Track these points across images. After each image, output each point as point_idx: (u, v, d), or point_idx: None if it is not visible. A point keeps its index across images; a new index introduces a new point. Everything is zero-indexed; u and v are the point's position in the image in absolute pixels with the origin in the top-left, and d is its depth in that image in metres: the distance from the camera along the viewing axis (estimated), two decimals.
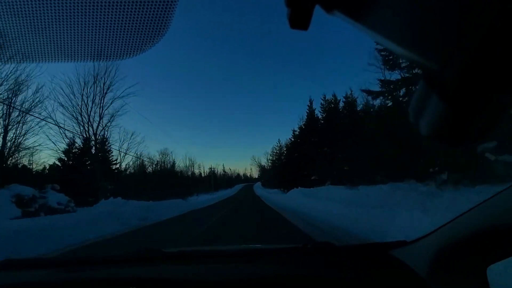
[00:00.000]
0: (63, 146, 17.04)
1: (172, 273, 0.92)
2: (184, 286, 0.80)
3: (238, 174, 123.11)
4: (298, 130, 31.26)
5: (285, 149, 39.93)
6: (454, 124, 0.21)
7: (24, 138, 13.96)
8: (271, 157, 57.46)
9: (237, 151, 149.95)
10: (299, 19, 0.29)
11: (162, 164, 34.10)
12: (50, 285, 0.84)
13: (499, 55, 0.17)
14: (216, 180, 62.55)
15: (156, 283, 0.81)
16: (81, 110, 17.58)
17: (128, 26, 0.47)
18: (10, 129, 13.29)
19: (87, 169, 17.64)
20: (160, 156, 34.65)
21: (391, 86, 14.05)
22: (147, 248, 1.16)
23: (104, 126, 18.81)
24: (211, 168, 56.79)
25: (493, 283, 0.67)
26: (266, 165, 66.80)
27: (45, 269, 1.05)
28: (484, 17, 0.17)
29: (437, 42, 0.20)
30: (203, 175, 64.20)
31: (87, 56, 0.52)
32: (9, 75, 12.59)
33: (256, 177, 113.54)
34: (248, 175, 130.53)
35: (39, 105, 14.62)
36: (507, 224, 0.57)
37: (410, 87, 12.82)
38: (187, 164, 46.69)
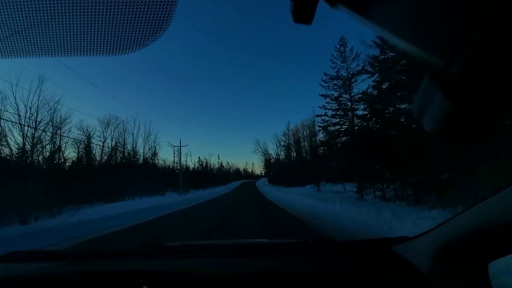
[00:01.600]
0: None
1: (175, 267, 0.93)
2: (186, 279, 0.81)
3: (238, 170, 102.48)
4: None
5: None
6: (458, 121, 0.21)
7: None
8: (285, 139, 40.18)
9: (237, 147, 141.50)
10: (303, 13, 0.29)
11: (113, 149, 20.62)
12: (53, 277, 0.85)
13: (504, 51, 0.17)
14: (206, 174, 46.75)
15: (159, 276, 0.82)
16: None
17: (130, 20, 0.47)
18: None
19: None
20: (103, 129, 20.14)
21: None
22: (150, 242, 1.17)
23: None
24: (180, 146, 29.27)
25: (494, 279, 0.67)
26: (275, 153, 48.02)
27: (48, 262, 1.06)
28: (489, 13, 0.17)
29: (441, 37, 0.20)
30: (195, 168, 44.88)
31: (88, 51, 0.52)
32: None
33: (259, 173, 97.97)
34: (250, 171, 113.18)
35: None
36: (509, 222, 0.57)
37: None
38: (146, 149, 25.17)
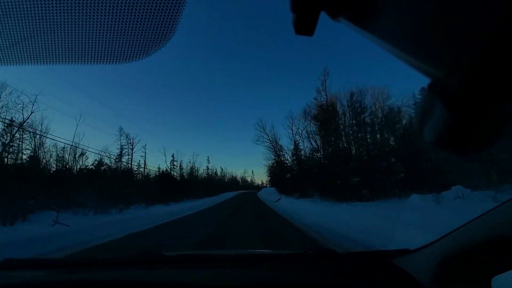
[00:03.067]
0: None
1: (173, 277, 0.91)
2: None
3: (234, 178, 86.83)
4: None
5: None
6: (458, 132, 0.21)
7: None
8: (316, 112, 21.28)
9: (235, 155, 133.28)
10: (304, 25, 0.29)
11: None
12: (49, 286, 0.84)
13: (504, 63, 0.17)
14: (184, 182, 30.57)
15: (157, 286, 0.80)
16: None
17: (135, 28, 0.48)
18: None
19: None
20: None
21: None
22: (148, 251, 1.16)
23: None
24: None
25: None
26: (293, 140, 27.18)
27: (44, 270, 1.05)
28: (490, 26, 0.17)
29: (442, 50, 0.20)
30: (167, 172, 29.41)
31: (93, 59, 0.53)
32: None
33: (260, 183, 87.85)
34: (249, 180, 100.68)
35: None
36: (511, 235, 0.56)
37: None
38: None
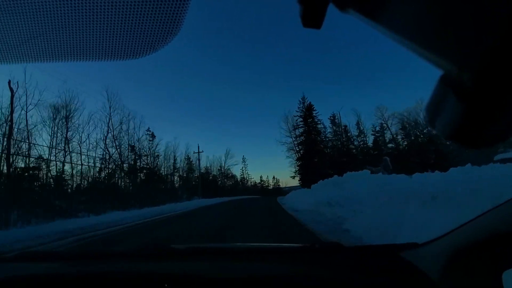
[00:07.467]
0: None
1: (181, 269, 0.93)
2: (191, 282, 0.81)
3: (232, 178, 54.08)
4: None
5: None
6: (471, 126, 0.21)
7: None
8: None
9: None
10: (312, 17, 0.29)
11: None
12: (62, 277, 0.87)
13: None
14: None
15: (165, 278, 0.82)
16: None
17: (141, 24, 0.48)
18: None
19: None
20: None
21: None
22: (156, 244, 1.18)
23: None
24: None
25: None
26: None
27: (57, 262, 1.08)
28: (503, 18, 0.17)
29: (455, 42, 0.19)
30: None
31: (101, 56, 0.53)
32: None
33: (277, 185, 60.38)
34: (253, 181, 63.89)
35: None
36: None
37: None
38: None
